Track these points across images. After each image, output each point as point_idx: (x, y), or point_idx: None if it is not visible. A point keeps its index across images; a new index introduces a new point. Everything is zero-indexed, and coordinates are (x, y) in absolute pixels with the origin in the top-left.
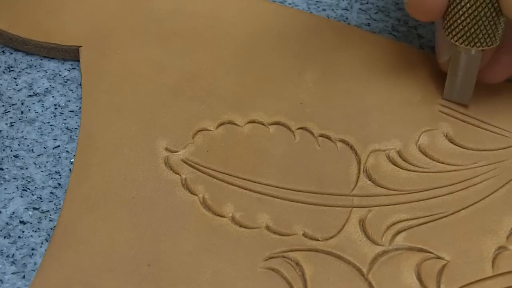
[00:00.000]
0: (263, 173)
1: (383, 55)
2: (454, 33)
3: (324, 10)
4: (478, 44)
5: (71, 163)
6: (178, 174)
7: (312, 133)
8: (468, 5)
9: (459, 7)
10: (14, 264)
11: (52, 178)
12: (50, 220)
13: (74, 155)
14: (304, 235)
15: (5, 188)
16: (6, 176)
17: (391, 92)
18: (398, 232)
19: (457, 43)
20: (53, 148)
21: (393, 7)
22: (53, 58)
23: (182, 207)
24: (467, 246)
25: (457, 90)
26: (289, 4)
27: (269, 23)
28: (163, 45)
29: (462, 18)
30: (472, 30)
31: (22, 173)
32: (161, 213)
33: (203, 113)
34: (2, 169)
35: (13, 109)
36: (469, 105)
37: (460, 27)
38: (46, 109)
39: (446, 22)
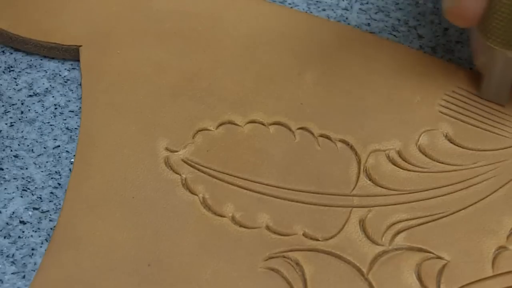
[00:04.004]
0: (263, 173)
1: (383, 55)
2: (489, 35)
3: (324, 10)
4: None
5: (71, 163)
6: (178, 174)
7: (312, 133)
8: (504, 9)
9: (495, 9)
10: (14, 264)
11: (52, 178)
12: (50, 220)
13: (74, 155)
14: (304, 235)
15: (5, 188)
16: (6, 176)
17: (391, 92)
18: (398, 232)
19: (493, 45)
20: (53, 148)
21: (393, 7)
22: (53, 58)
23: (182, 207)
24: (467, 246)
25: (493, 91)
26: (289, 4)
27: (269, 23)
28: (163, 45)
29: (498, 20)
30: (509, 32)
31: (22, 173)
32: (161, 213)
33: (203, 113)
34: (2, 169)
35: (13, 109)
36: (505, 105)
37: (496, 29)
38: (46, 109)
39: (482, 24)
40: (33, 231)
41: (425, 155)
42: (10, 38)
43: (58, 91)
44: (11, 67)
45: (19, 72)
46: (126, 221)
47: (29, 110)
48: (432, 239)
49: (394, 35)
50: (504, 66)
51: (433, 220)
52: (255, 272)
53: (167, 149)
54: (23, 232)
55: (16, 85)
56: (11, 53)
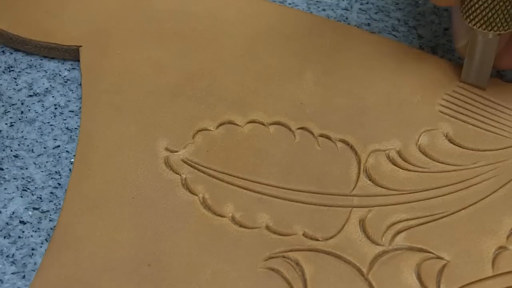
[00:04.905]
0: (263, 173)
1: (383, 55)
2: (472, 17)
3: (324, 10)
4: (495, 28)
5: (71, 163)
6: (178, 174)
7: (312, 133)
8: None
9: None
10: (14, 264)
11: (52, 178)
12: (50, 220)
13: (74, 155)
14: (304, 235)
15: (5, 188)
16: (6, 176)
17: (391, 92)
18: (398, 232)
19: (474, 27)
20: (53, 148)
21: (393, 7)
22: (53, 58)
23: (182, 207)
24: (467, 246)
25: (474, 74)
26: (289, 4)
27: (269, 23)
28: (163, 45)
29: (480, 2)
30: (490, 14)
31: (22, 173)
32: (161, 213)
33: (203, 113)
34: (2, 169)
35: (13, 109)
36: (486, 88)
37: (478, 11)
38: (46, 109)
39: (464, 6)
40: (33, 231)
41: (425, 155)
42: (10, 38)
43: (58, 91)
44: (11, 67)
45: (19, 72)
46: (126, 221)
47: (29, 110)
48: (432, 239)
49: (394, 35)
50: (484, 48)
51: (433, 220)
52: (255, 272)
53: (167, 149)
54: (23, 232)
55: (16, 85)
56: (11, 53)
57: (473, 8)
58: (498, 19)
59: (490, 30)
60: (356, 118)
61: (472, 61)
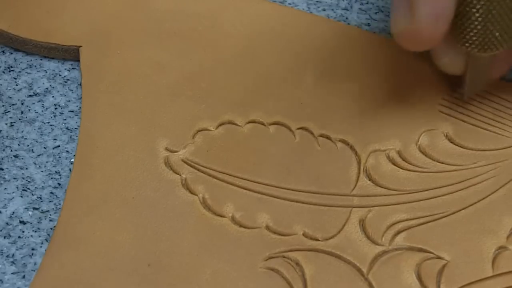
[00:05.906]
0: (263, 173)
1: (383, 55)
2: (466, 39)
3: (324, 10)
4: (493, 49)
5: (71, 163)
6: (178, 174)
7: (312, 133)
8: (480, 10)
9: (469, 13)
10: (14, 264)
11: (52, 178)
12: (50, 220)
13: (74, 155)
14: (304, 235)
15: (5, 188)
16: (6, 176)
17: (391, 92)
18: (398, 232)
19: (469, 49)
20: (53, 148)
21: None
22: (53, 58)
23: (182, 207)
24: (467, 246)
25: (469, 88)
26: (289, 4)
27: (269, 23)
28: (163, 45)
29: (475, 29)
30: (485, 35)
31: (22, 173)
32: (161, 213)
33: (203, 113)
34: (2, 169)
35: (13, 109)
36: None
37: (474, 37)
38: (46, 109)
39: (459, 33)
40: (33, 231)
41: (425, 155)
42: (10, 38)
43: (58, 91)
44: (11, 67)
45: (19, 72)
46: (126, 221)
47: (29, 110)
48: (432, 239)
49: None
50: (480, 66)
51: (433, 220)
52: (255, 272)
53: (167, 149)
54: (23, 232)
55: (16, 85)
56: (11, 53)
57: (469, 35)
58: (494, 40)
59: (485, 51)
60: (356, 118)
61: (467, 79)
